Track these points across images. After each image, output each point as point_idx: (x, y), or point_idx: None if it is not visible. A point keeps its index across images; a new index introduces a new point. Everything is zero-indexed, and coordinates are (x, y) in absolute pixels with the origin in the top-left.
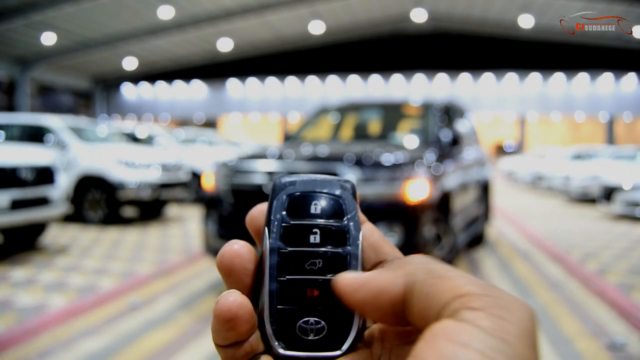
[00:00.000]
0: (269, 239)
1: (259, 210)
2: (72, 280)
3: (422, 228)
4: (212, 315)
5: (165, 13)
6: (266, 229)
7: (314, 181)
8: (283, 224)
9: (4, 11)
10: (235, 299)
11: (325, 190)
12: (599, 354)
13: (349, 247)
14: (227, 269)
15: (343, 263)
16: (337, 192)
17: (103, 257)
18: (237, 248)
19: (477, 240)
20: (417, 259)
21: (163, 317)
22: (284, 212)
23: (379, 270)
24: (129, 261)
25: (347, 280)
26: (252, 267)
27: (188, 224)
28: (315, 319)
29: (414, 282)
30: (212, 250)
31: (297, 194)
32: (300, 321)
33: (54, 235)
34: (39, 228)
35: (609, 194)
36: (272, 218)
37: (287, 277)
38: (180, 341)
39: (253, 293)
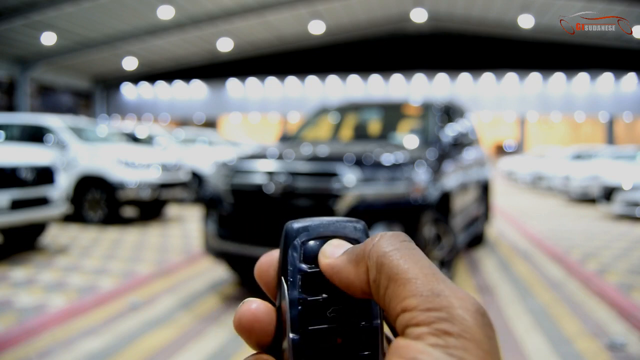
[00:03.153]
0: (287, 289)
1: (266, 262)
2: (72, 280)
3: (422, 228)
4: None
5: (165, 13)
6: (282, 278)
7: (327, 224)
8: (300, 273)
9: (4, 11)
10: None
11: (339, 234)
12: (599, 354)
13: None
14: (245, 330)
15: (364, 306)
16: (351, 234)
17: (103, 257)
18: (254, 309)
19: (477, 240)
20: (370, 248)
21: (163, 317)
22: (300, 260)
23: (349, 259)
24: (129, 261)
25: (325, 266)
26: (271, 328)
27: (188, 224)
28: None
29: (372, 280)
30: (212, 250)
31: (311, 239)
32: None
33: (54, 235)
34: (39, 228)
35: (609, 194)
36: (288, 267)
37: (310, 328)
38: (180, 341)
39: (274, 347)
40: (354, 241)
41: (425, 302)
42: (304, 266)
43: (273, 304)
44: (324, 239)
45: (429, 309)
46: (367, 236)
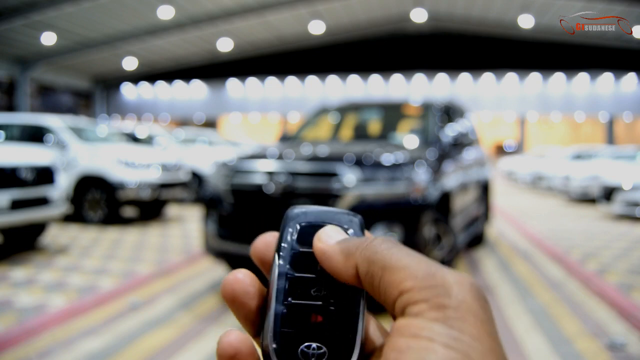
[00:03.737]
0: (278, 264)
1: (262, 241)
2: (72, 280)
3: (422, 228)
4: (216, 354)
5: (165, 13)
6: (276, 255)
7: (325, 212)
8: (293, 251)
9: (4, 11)
10: (237, 336)
11: (335, 222)
12: (599, 354)
13: None
14: (229, 296)
15: (348, 291)
16: (346, 224)
17: (103, 257)
18: (239, 276)
19: (477, 240)
20: (363, 247)
21: (163, 317)
22: (294, 240)
23: (341, 250)
24: (129, 261)
25: (318, 249)
26: (254, 292)
27: (188, 224)
28: (318, 344)
29: (364, 273)
30: (212, 250)
31: (308, 223)
32: (303, 346)
33: (54, 235)
34: (39, 228)
35: (609, 194)
36: (282, 245)
37: (293, 301)
38: (180, 341)
39: (258, 319)
40: (347, 230)
41: (421, 282)
42: (296, 246)
43: (266, 283)
44: (320, 225)
45: (426, 287)
46: (362, 230)
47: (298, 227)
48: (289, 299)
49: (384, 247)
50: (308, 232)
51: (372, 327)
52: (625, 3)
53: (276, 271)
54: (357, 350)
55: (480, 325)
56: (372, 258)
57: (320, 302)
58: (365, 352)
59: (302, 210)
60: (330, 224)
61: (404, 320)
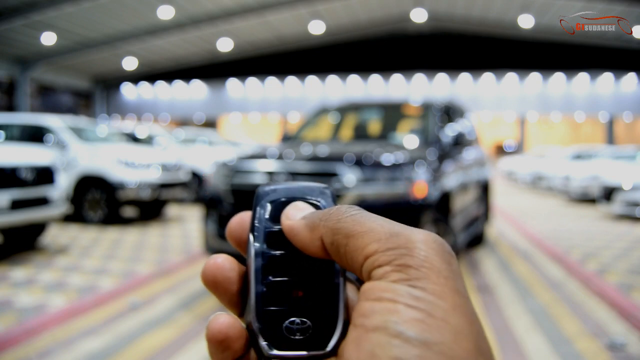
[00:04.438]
0: (254, 244)
1: (236, 222)
2: (72, 280)
3: (422, 228)
4: (206, 339)
5: (165, 13)
6: (251, 235)
7: (295, 188)
8: (266, 230)
9: (4, 11)
10: (225, 320)
11: (306, 197)
12: (599, 354)
13: None
14: (210, 282)
15: (325, 264)
16: (317, 198)
17: (103, 257)
18: (219, 261)
19: (477, 240)
20: (327, 217)
21: (163, 317)
22: (267, 218)
23: (306, 224)
24: (129, 261)
25: (285, 227)
26: (235, 276)
27: (188, 224)
28: (301, 319)
29: (329, 244)
30: (212, 250)
31: (279, 200)
32: (287, 322)
33: (54, 235)
34: (39, 228)
35: (609, 194)
36: (256, 224)
37: (272, 279)
38: (180, 341)
39: (241, 300)
40: (318, 203)
41: (385, 244)
42: (269, 224)
43: (244, 262)
44: (291, 200)
45: (389, 249)
46: (334, 202)
47: (269, 205)
48: (268, 277)
49: (347, 214)
50: (280, 209)
51: (353, 294)
52: (625, 3)
53: (252, 251)
54: (341, 321)
55: (444, 281)
56: (336, 227)
57: (298, 278)
58: (349, 320)
59: (272, 188)
60: (301, 198)
61: (369, 284)
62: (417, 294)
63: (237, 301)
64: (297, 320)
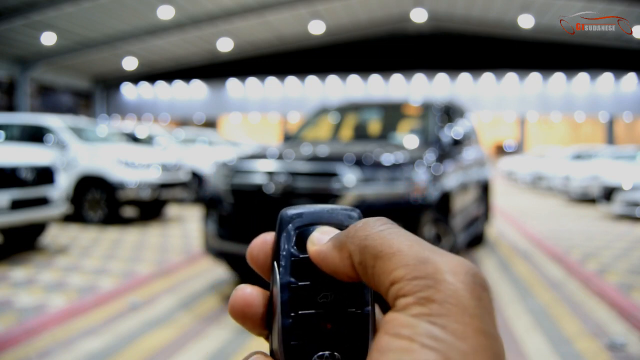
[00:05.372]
0: (279, 274)
1: (258, 245)
2: (72, 280)
3: (422, 228)
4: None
5: (165, 13)
6: (275, 263)
7: (321, 212)
8: (292, 258)
9: (4, 11)
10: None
11: (333, 222)
12: (599, 354)
13: None
14: (239, 316)
15: (355, 293)
16: (345, 222)
17: (103, 257)
18: (247, 294)
19: (477, 240)
20: (353, 233)
21: (163, 317)
22: (292, 245)
23: (334, 245)
24: (129, 261)
25: (312, 252)
26: (262, 306)
27: (188, 224)
28: (330, 352)
29: (357, 263)
30: (212, 250)
31: (304, 225)
32: (315, 356)
33: (54, 235)
34: (39, 228)
35: (609, 194)
36: (280, 252)
37: (300, 312)
38: (180, 341)
39: (266, 324)
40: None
41: (412, 271)
42: (295, 252)
43: (267, 286)
44: (317, 226)
45: (415, 277)
46: None
47: (295, 231)
48: (295, 310)
49: (375, 229)
50: (305, 235)
51: (380, 316)
52: (625, 3)
53: (278, 282)
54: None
55: (469, 320)
56: (363, 244)
57: (327, 309)
58: None
59: (297, 212)
60: (328, 223)
61: (391, 315)
62: (436, 332)
63: (262, 325)
64: (327, 353)
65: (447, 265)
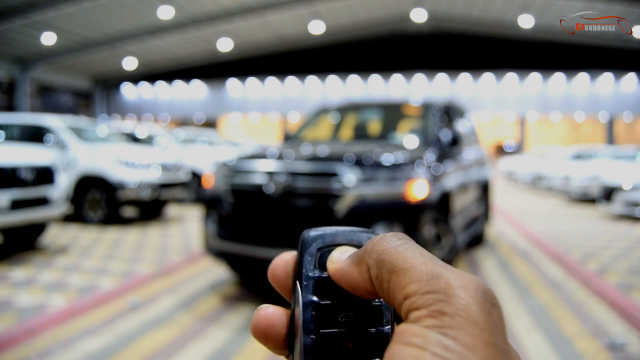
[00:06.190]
0: (301, 293)
1: (279, 265)
2: (72, 280)
3: (422, 228)
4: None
5: (165, 13)
6: (297, 283)
7: (342, 233)
8: (314, 278)
9: (4, 11)
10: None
11: (353, 242)
12: (599, 354)
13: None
14: (262, 336)
15: (375, 313)
16: (364, 243)
17: (103, 257)
18: (269, 314)
19: (477, 240)
20: (371, 248)
21: (163, 317)
22: (314, 266)
23: (352, 261)
24: (129, 261)
25: (332, 271)
26: (284, 326)
27: (188, 224)
28: None
29: (374, 277)
30: (212, 250)
31: (326, 246)
32: None
33: (54, 235)
34: (39, 228)
35: (609, 194)
36: (303, 272)
37: (322, 330)
38: (180, 341)
39: (287, 343)
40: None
41: (424, 286)
42: (317, 272)
43: (288, 305)
44: (338, 246)
45: (428, 292)
46: None
47: (317, 251)
48: (317, 329)
49: (391, 244)
50: (326, 255)
51: None
52: (625, 3)
53: (300, 301)
54: None
55: (479, 333)
56: (380, 259)
57: (349, 328)
58: None
59: (319, 233)
60: (349, 244)
61: (403, 326)
62: (447, 343)
63: (284, 345)
64: None
65: (458, 281)
